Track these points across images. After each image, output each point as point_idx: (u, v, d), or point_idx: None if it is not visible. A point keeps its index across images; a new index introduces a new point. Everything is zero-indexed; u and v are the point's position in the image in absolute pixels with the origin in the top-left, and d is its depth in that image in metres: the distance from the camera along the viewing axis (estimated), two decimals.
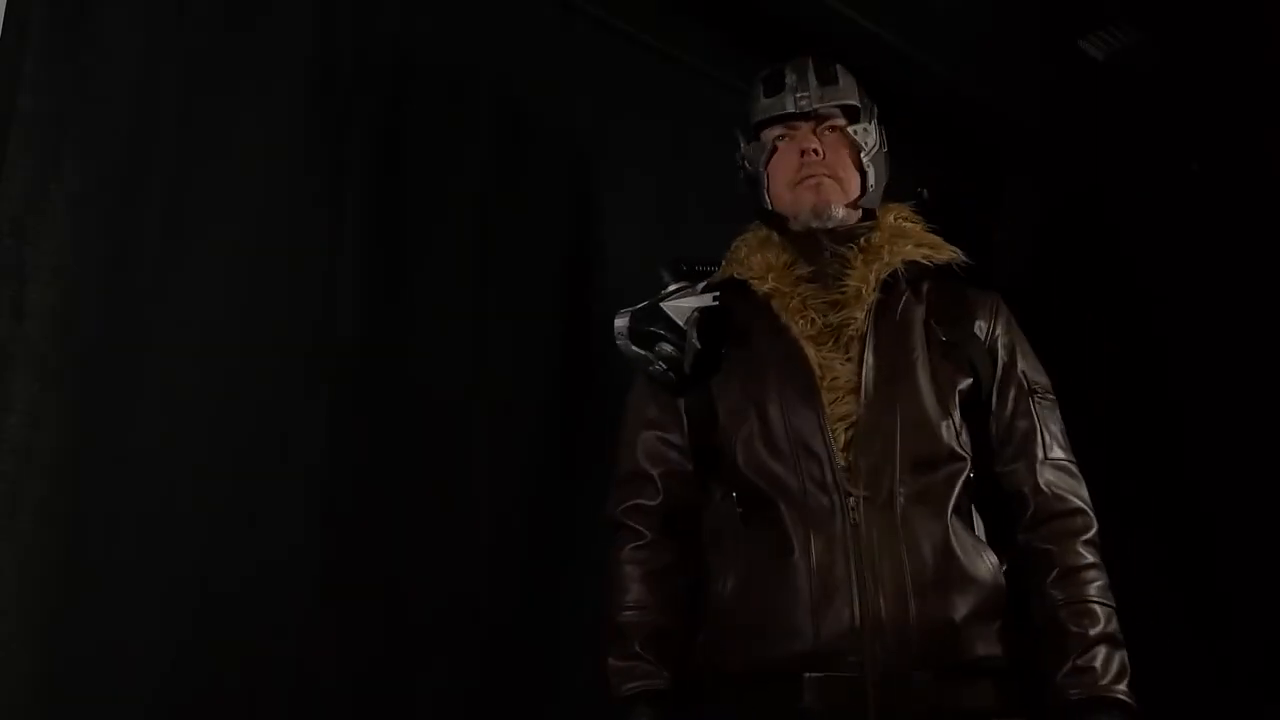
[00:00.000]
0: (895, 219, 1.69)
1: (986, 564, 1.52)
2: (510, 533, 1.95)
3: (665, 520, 1.62)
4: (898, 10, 2.51)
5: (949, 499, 1.52)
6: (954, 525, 1.51)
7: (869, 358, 1.56)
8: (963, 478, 1.55)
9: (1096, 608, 1.50)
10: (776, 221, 1.68)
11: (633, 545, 1.61)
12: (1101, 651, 1.47)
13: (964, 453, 1.56)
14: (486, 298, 1.99)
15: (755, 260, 1.66)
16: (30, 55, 1.52)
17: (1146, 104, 2.88)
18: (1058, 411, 1.64)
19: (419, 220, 1.93)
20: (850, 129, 1.68)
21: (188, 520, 1.59)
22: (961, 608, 1.47)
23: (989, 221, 2.97)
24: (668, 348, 1.61)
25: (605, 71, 2.25)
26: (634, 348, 1.63)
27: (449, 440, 1.90)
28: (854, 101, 1.69)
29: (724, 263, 1.71)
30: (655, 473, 1.63)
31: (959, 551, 1.50)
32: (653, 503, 1.63)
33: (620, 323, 1.64)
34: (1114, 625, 1.51)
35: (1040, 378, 1.65)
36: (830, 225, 1.63)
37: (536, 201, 2.11)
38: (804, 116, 1.67)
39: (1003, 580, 1.53)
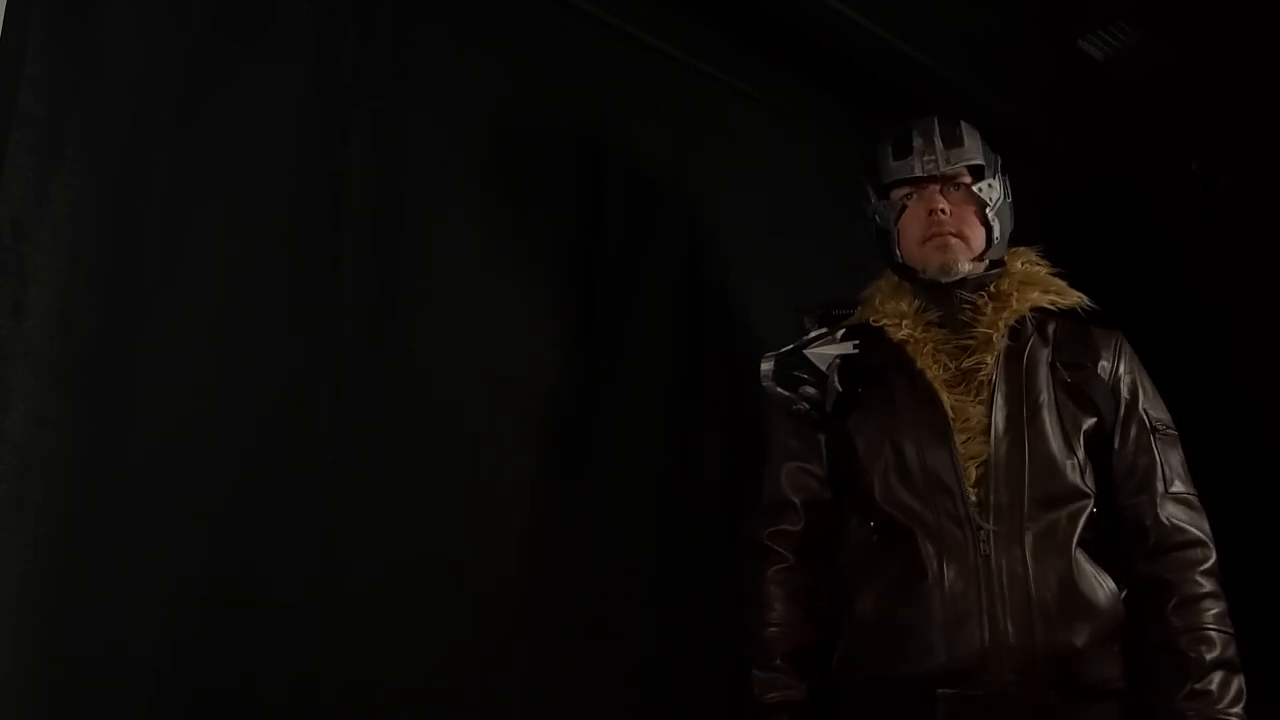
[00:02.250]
0: (1022, 264, 1.82)
1: (1107, 592, 1.64)
2: (513, 533, 1.95)
3: (806, 544, 1.79)
4: (898, 10, 2.51)
5: (1073, 534, 1.64)
6: (1077, 558, 1.63)
7: (998, 400, 1.68)
8: (1086, 514, 1.66)
9: (1214, 634, 1.62)
10: (907, 272, 1.80)
11: (777, 568, 1.78)
12: (1218, 676, 1.59)
13: (1088, 490, 1.68)
14: (488, 302, 1.99)
15: (889, 307, 1.81)
16: (30, 55, 1.51)
17: (1146, 104, 2.88)
18: (1179, 446, 1.76)
19: (420, 221, 1.93)
20: (975, 186, 1.78)
21: (189, 520, 1.58)
22: (1083, 634, 1.60)
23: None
24: (811, 390, 1.77)
25: (605, 73, 2.25)
26: (779, 389, 1.80)
27: (454, 440, 1.90)
28: (978, 160, 1.79)
29: (860, 306, 1.87)
30: (797, 500, 1.80)
31: (1081, 582, 1.62)
32: (795, 528, 1.79)
33: (766, 366, 1.82)
34: (1231, 651, 1.62)
35: (1161, 414, 1.77)
36: (956, 280, 1.76)
37: (536, 203, 2.11)
38: (931, 178, 1.77)
39: (1122, 607, 1.65)
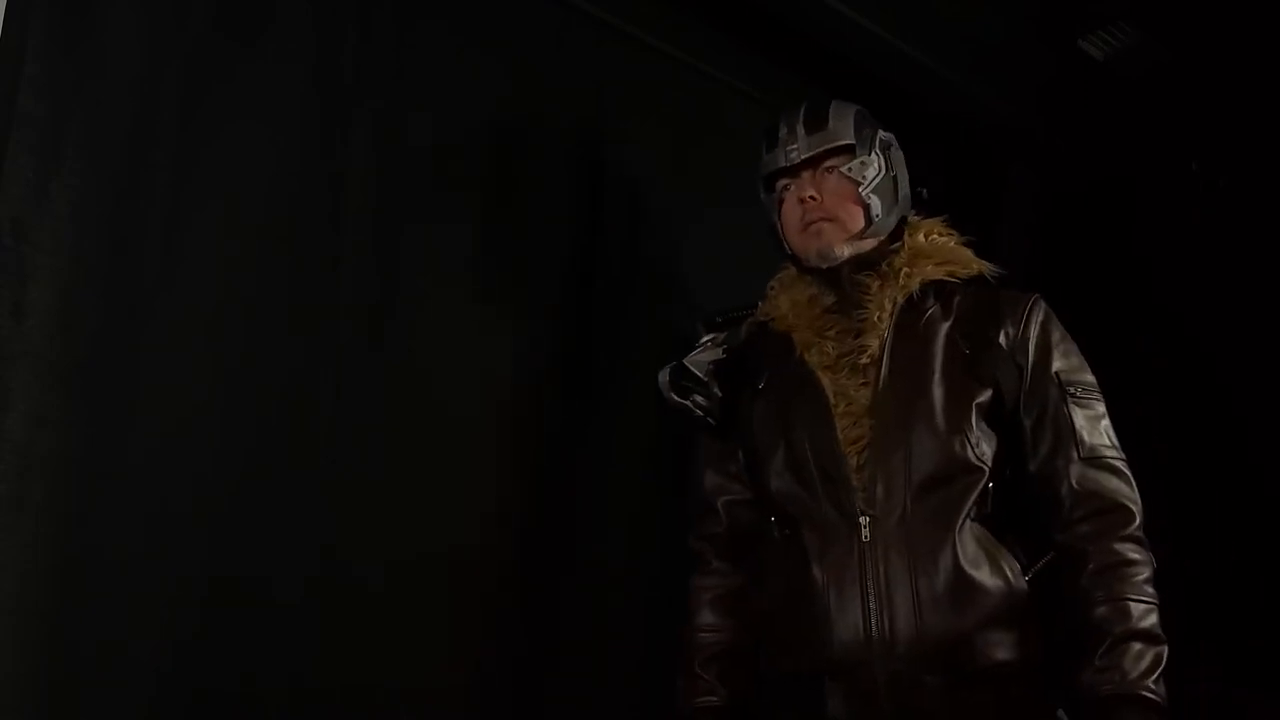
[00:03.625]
0: (925, 237, 1.75)
1: (1005, 571, 1.58)
2: (512, 533, 1.95)
3: (730, 547, 1.77)
4: (898, 10, 2.51)
5: (961, 512, 1.58)
6: (964, 537, 1.57)
7: (883, 381, 1.63)
8: (978, 489, 1.59)
9: (1130, 604, 1.52)
10: (798, 260, 1.77)
11: (702, 572, 1.78)
12: (1132, 648, 1.49)
13: (981, 464, 1.60)
14: (488, 302, 1.99)
15: (783, 299, 1.78)
16: (30, 55, 1.52)
17: (1146, 104, 2.88)
18: (1101, 408, 1.65)
19: (420, 221, 1.93)
20: (845, 168, 1.72)
21: (189, 520, 1.59)
22: (972, 617, 1.54)
23: (991, 222, 2.98)
24: (700, 399, 1.76)
25: (605, 73, 2.25)
26: (675, 399, 1.77)
27: (454, 440, 1.90)
28: (845, 140, 1.73)
29: (761, 303, 1.82)
30: (718, 502, 1.79)
31: (967, 563, 1.56)
32: (717, 530, 1.78)
33: (662, 379, 1.78)
34: (1150, 621, 1.51)
35: (1078, 375, 1.66)
36: (836, 264, 1.71)
37: (536, 203, 2.11)
38: (802, 165, 1.73)
39: (1024, 586, 1.58)
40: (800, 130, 1.74)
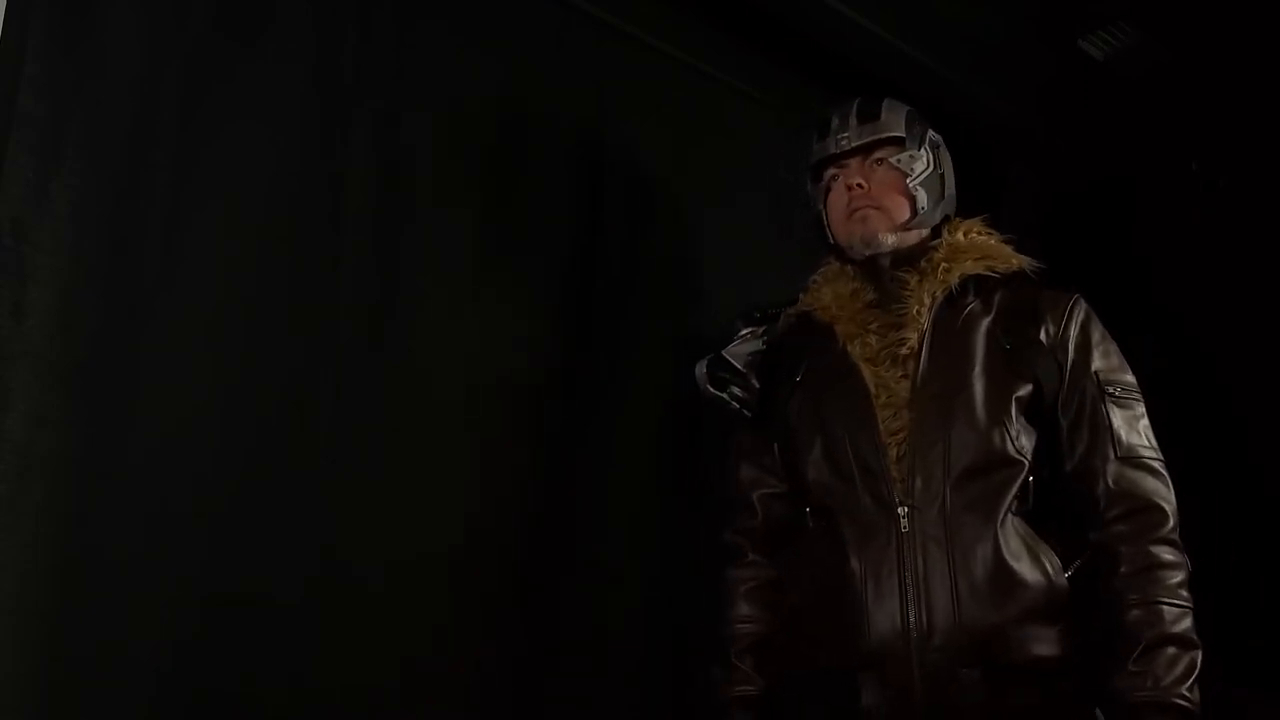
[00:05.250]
0: (964, 235, 1.78)
1: (1045, 566, 1.58)
2: (512, 533, 1.95)
3: (765, 539, 1.78)
4: (898, 10, 2.51)
5: (1001, 504, 1.59)
6: (1006, 530, 1.58)
7: (924, 374, 1.64)
8: (1018, 482, 1.60)
9: (1163, 607, 1.52)
10: (840, 252, 1.81)
11: (737, 564, 1.79)
12: (1165, 653, 1.49)
13: (1020, 457, 1.61)
14: (488, 302, 1.99)
15: (826, 291, 1.80)
16: (30, 55, 1.52)
17: (1146, 104, 2.88)
18: (1140, 408, 1.67)
19: (420, 221, 1.93)
20: (894, 159, 1.76)
21: (189, 520, 1.59)
22: (1011, 610, 1.54)
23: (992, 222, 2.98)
24: (738, 391, 1.78)
25: (605, 73, 2.25)
26: (712, 390, 1.80)
27: (454, 440, 1.90)
28: (896, 133, 1.78)
29: (802, 295, 1.85)
30: (753, 496, 1.80)
31: (1009, 556, 1.56)
32: (752, 523, 1.80)
33: (699, 370, 1.82)
34: (1183, 625, 1.52)
35: (1118, 375, 1.68)
36: (880, 251, 1.74)
37: (536, 203, 2.11)
38: (851, 154, 1.77)
39: (1064, 582, 1.59)
40: (852, 120, 1.78)
